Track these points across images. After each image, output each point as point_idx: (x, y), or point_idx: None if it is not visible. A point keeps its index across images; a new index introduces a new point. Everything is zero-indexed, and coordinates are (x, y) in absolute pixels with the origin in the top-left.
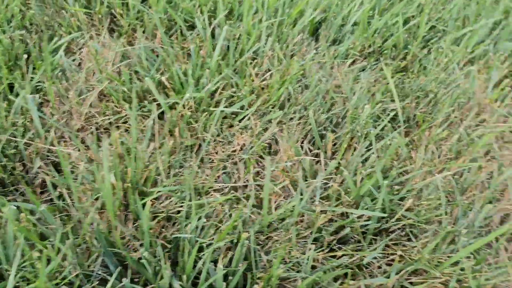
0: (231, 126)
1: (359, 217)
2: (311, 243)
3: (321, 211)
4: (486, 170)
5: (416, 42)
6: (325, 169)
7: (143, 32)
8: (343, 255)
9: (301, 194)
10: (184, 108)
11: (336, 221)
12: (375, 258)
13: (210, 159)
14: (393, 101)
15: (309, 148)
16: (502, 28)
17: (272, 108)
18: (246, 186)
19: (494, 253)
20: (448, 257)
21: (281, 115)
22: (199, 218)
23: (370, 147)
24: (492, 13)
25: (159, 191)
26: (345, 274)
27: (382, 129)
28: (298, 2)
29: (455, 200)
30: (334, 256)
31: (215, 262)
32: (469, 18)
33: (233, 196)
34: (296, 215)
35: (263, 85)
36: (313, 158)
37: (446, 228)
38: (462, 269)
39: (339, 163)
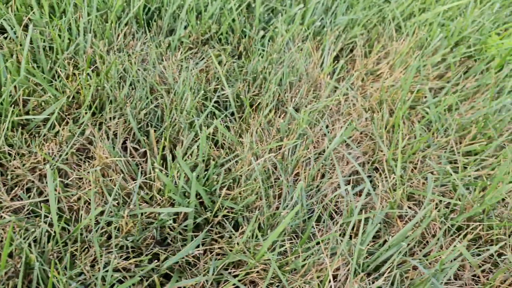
0: (40, 135)
1: (177, 214)
2: (126, 251)
3: (130, 215)
4: (320, 146)
5: (254, 24)
6: (152, 168)
7: None
8: (165, 258)
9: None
10: None
11: (152, 223)
12: (194, 256)
13: (13, 175)
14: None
15: (133, 148)
16: (337, 5)
17: (87, 109)
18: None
19: (323, 231)
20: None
21: (92, 117)
22: None
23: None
24: None
25: None
26: (168, 277)
27: (212, 118)
28: None
29: (281, 181)
30: (157, 260)
31: None
32: None
33: (29, 214)
34: (94, 224)
35: (82, 86)
36: (128, 158)
37: (261, 214)
38: (280, 253)
39: (165, 159)
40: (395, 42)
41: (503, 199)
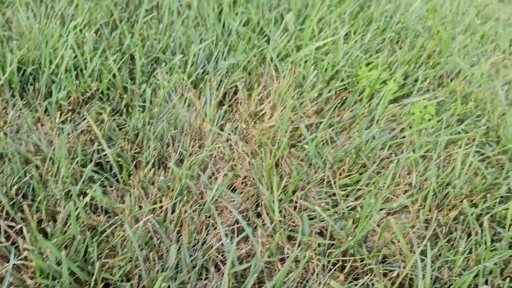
0: None
1: None
2: None
3: None
4: (205, 197)
5: (137, 77)
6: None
7: None
8: None
9: None
10: None
11: None
12: None
13: None
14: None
15: (8, 226)
16: (218, 50)
17: None
18: None
19: None
20: None
21: None
22: None
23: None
24: (212, 34)
25: None
26: None
27: (90, 182)
28: None
29: (164, 242)
30: None
31: None
32: (191, 43)
33: None
34: None
35: None
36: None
37: (140, 280)
38: None
39: (45, 233)
40: (275, 81)
41: (374, 230)
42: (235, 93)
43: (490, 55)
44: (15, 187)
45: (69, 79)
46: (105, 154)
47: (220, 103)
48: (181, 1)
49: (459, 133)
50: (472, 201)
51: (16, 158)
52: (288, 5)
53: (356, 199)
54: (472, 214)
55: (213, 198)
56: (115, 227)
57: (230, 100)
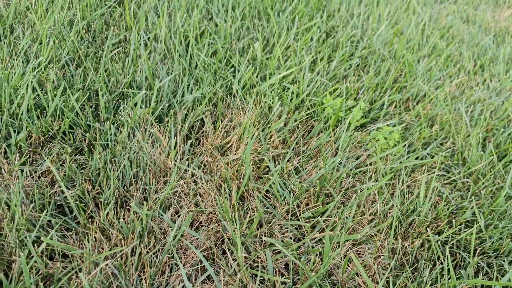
0: None
1: None
2: None
3: None
4: (167, 237)
5: (100, 114)
6: None
7: None
8: None
9: None
10: None
11: None
12: None
13: None
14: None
15: None
16: (184, 83)
17: None
18: None
19: None
20: None
21: None
22: None
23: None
24: (179, 66)
25: None
26: None
27: (49, 227)
28: None
29: (124, 287)
30: None
31: None
32: (157, 77)
33: None
34: None
35: None
36: None
37: None
38: None
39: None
40: (241, 113)
41: (339, 262)
42: (203, 125)
43: (455, 77)
44: None
45: (30, 119)
46: (65, 196)
47: (187, 137)
48: (149, 34)
49: (425, 157)
50: (437, 226)
51: None
52: (257, 33)
53: (322, 230)
54: (437, 241)
55: (175, 237)
56: (74, 274)
57: (197, 133)
